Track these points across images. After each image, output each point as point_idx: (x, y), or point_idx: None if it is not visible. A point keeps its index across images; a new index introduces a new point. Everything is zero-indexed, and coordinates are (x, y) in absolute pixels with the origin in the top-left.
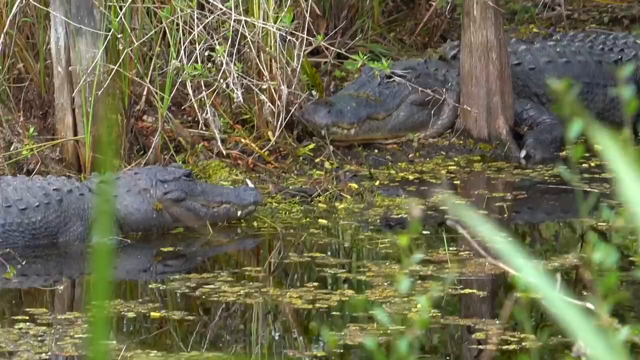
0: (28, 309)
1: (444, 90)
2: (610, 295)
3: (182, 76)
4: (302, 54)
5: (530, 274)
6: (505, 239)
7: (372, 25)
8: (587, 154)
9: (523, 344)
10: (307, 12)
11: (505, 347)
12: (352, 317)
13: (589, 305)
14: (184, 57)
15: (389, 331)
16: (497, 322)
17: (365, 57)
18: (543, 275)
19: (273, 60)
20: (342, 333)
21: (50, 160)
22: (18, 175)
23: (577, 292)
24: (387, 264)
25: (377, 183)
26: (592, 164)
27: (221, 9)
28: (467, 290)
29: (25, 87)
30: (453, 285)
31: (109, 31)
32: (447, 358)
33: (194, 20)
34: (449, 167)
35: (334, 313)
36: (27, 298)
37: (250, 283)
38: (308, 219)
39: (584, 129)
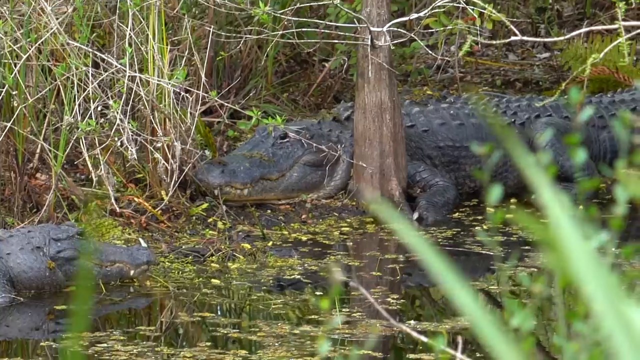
0: None
1: (338, 150)
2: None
3: (77, 133)
4: (196, 112)
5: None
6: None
7: (265, 85)
8: (479, 217)
9: None
10: (202, 70)
11: None
12: None
13: None
14: (78, 114)
15: None
16: None
17: (259, 113)
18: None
19: (167, 119)
20: None
21: None
22: None
23: (469, 354)
24: (279, 324)
25: (270, 243)
26: (485, 227)
27: (116, 66)
28: (362, 352)
29: None
30: (344, 345)
31: (3, 87)
32: None
33: (88, 78)
34: (342, 229)
35: None
36: None
37: (143, 342)
38: (200, 279)
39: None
